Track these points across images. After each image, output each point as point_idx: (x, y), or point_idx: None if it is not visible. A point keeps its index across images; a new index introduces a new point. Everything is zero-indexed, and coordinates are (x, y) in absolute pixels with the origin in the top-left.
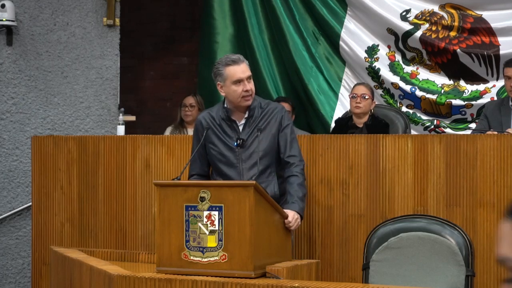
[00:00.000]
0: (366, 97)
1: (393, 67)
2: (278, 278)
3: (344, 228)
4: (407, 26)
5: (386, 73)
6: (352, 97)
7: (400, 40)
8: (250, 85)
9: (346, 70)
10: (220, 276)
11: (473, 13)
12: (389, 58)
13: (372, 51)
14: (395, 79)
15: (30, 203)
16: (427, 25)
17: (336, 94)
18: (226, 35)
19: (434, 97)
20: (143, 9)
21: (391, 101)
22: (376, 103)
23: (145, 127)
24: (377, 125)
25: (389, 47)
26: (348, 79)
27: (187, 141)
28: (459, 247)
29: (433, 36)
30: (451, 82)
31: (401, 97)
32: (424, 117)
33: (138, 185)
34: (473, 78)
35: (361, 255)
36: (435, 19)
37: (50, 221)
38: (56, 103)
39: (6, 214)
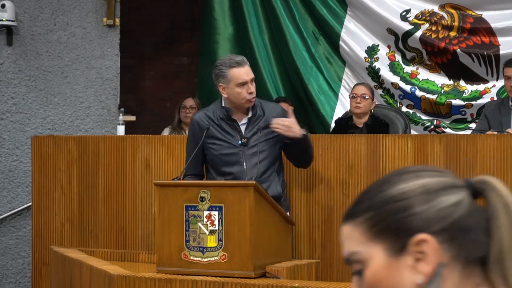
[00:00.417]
0: (366, 97)
1: (393, 67)
2: (278, 278)
3: None
4: (407, 26)
5: (386, 73)
6: (352, 97)
7: (400, 40)
8: (253, 87)
9: (346, 70)
10: (220, 276)
11: (473, 13)
12: (389, 58)
13: (372, 51)
14: (395, 79)
15: (30, 203)
16: (427, 25)
17: (336, 94)
18: (226, 35)
19: (434, 97)
20: (143, 9)
21: (391, 101)
22: (376, 103)
23: (145, 127)
24: (377, 125)
25: (389, 47)
26: (348, 79)
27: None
28: None
29: (433, 36)
30: (451, 82)
31: (401, 97)
32: (424, 117)
33: (138, 185)
34: (473, 78)
35: None
36: (435, 19)
37: (50, 221)
38: (56, 103)
39: (6, 214)
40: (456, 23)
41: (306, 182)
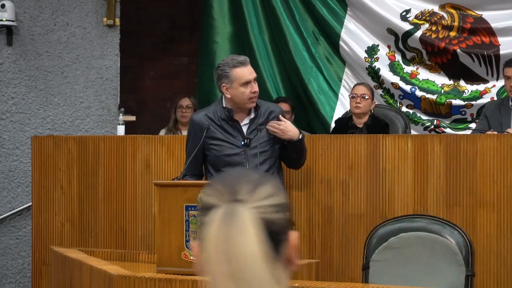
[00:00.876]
0: (366, 97)
1: (393, 67)
2: None
3: (344, 228)
4: (407, 26)
5: (386, 73)
6: (352, 97)
7: (400, 40)
8: (256, 86)
9: (346, 70)
10: None
11: (473, 13)
12: (389, 58)
13: (372, 51)
14: (395, 79)
15: (30, 203)
16: (427, 25)
17: (336, 94)
18: (225, 35)
19: (434, 97)
20: (143, 9)
21: (391, 101)
22: (376, 103)
23: (145, 127)
24: (377, 125)
25: (389, 47)
26: (348, 79)
27: None
28: (459, 247)
29: (433, 36)
30: (451, 82)
31: (401, 97)
32: (424, 117)
33: (138, 185)
34: (473, 78)
35: (361, 255)
36: (435, 19)
37: (50, 221)
38: (56, 103)
39: (6, 214)
40: (456, 23)
41: (306, 182)
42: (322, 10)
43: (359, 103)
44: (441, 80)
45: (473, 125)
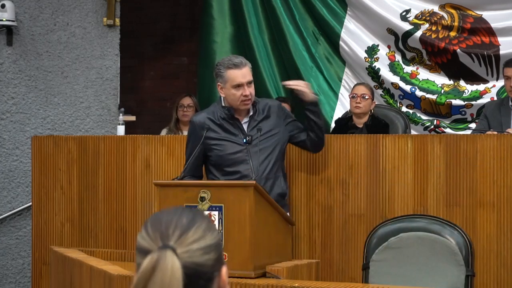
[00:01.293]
0: (366, 97)
1: (393, 67)
2: (278, 278)
3: (344, 228)
4: (407, 26)
5: (386, 73)
6: (352, 97)
7: (400, 40)
8: (250, 90)
9: (346, 70)
10: None
11: (473, 13)
12: (389, 58)
13: (372, 51)
14: (395, 79)
15: (30, 203)
16: (427, 25)
17: (336, 94)
18: (225, 35)
19: (434, 97)
20: (143, 9)
21: (391, 101)
22: (376, 103)
23: (145, 127)
24: (377, 125)
25: (389, 47)
26: (348, 79)
27: None
28: (459, 247)
29: (433, 36)
30: (451, 82)
31: (401, 97)
32: (424, 117)
33: (138, 185)
34: (473, 78)
35: (361, 255)
36: (435, 19)
37: (50, 221)
38: (56, 103)
39: (6, 214)
40: (456, 23)
41: (306, 182)
42: (322, 10)
43: (359, 103)
44: (441, 80)
45: (473, 125)
